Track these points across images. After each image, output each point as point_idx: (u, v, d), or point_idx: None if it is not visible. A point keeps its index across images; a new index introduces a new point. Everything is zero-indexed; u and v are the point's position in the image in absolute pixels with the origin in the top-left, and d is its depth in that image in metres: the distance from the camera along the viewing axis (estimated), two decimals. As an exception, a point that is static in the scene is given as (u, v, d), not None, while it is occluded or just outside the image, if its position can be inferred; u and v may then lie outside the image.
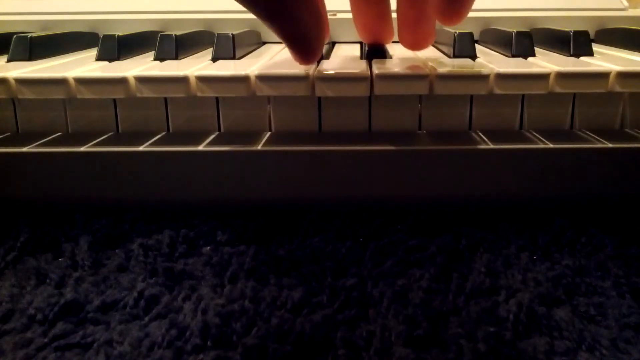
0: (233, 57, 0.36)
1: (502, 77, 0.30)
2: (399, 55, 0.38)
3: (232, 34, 0.37)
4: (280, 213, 0.31)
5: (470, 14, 0.49)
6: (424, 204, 0.31)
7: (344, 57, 0.37)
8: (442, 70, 0.30)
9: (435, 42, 0.45)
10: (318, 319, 0.23)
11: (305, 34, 0.26)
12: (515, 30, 0.37)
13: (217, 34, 0.37)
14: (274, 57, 0.38)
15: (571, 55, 0.36)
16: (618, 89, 0.30)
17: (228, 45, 0.36)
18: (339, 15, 0.47)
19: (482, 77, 0.30)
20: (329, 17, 0.46)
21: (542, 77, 0.30)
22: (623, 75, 0.30)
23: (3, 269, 0.28)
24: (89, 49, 0.44)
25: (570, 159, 0.30)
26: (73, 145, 0.31)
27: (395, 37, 0.34)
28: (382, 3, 0.33)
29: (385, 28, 0.34)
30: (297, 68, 0.31)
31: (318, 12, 0.27)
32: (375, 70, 0.30)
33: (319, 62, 0.34)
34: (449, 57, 0.37)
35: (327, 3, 0.34)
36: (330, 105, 0.32)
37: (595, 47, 0.39)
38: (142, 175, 0.31)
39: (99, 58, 0.37)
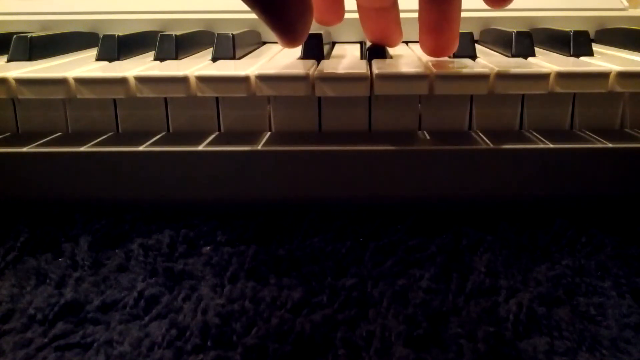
0: (233, 57, 0.36)
1: (502, 77, 0.30)
2: (399, 55, 0.38)
3: (232, 34, 0.37)
4: (280, 213, 0.31)
5: (470, 14, 0.49)
6: (424, 204, 0.31)
7: (344, 57, 0.37)
8: (442, 70, 0.30)
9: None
10: (318, 319, 0.23)
11: (291, 21, 0.25)
12: (515, 30, 0.37)
13: (217, 34, 0.37)
14: (274, 57, 0.38)
15: (571, 55, 0.36)
16: (618, 89, 0.30)
17: (228, 45, 0.36)
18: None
19: (482, 77, 0.30)
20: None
21: (542, 77, 0.30)
22: (623, 75, 0.30)
23: (3, 269, 0.28)
24: (89, 49, 0.44)
25: (570, 159, 0.30)
26: (73, 145, 0.31)
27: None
28: (391, 6, 0.32)
29: (394, 30, 0.33)
30: (297, 68, 0.31)
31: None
32: (375, 70, 0.30)
33: (319, 62, 0.34)
34: (449, 57, 0.37)
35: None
36: (330, 105, 0.32)
37: (595, 47, 0.39)
38: (142, 175, 0.31)
39: (99, 58, 0.37)
